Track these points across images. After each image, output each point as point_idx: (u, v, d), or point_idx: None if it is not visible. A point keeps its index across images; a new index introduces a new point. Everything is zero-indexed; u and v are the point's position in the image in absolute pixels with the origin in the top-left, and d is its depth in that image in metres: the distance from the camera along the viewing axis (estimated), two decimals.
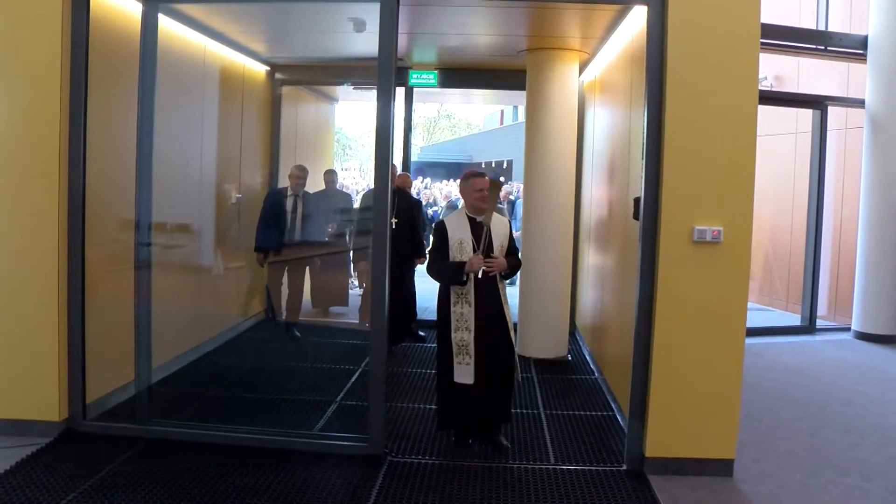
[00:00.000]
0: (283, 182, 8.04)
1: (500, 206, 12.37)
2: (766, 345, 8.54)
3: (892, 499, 4.36)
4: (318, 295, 7.73)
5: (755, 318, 9.98)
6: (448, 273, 4.76)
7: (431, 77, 8.44)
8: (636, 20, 5.36)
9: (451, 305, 4.75)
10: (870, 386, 6.83)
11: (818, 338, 9.05)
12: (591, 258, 7.61)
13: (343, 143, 23.49)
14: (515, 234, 5.90)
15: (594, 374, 6.73)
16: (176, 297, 6.25)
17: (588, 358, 7.26)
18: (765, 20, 10.33)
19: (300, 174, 7.36)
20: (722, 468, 4.59)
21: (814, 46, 9.36)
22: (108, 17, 5.08)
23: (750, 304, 11.66)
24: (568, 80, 7.11)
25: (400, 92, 8.78)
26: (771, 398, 6.34)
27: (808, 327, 9.26)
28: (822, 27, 9.87)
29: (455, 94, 12.23)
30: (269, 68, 7.79)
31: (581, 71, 7.72)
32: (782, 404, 6.18)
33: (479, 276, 4.73)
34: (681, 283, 4.47)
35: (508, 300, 4.97)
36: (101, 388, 5.12)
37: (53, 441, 4.71)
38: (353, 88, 9.27)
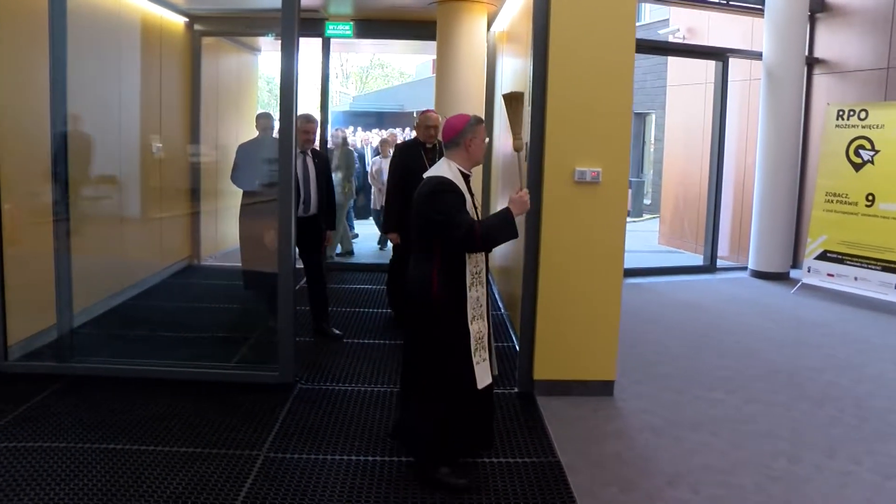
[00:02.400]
0: (206, 132, 8.17)
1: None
2: (667, 283, 9.15)
3: (745, 406, 4.97)
4: None
5: (662, 260, 10.68)
6: (504, 227, 3.70)
7: (347, 28, 8.63)
8: None
9: (467, 289, 3.71)
10: (752, 317, 7.47)
11: (717, 276, 9.71)
12: (499, 203, 8.02)
13: (275, 94, 23.27)
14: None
15: (501, 311, 7.19)
16: (99, 245, 6.46)
17: (497, 297, 7.72)
18: None
19: (310, 127, 6.08)
20: (604, 388, 5.09)
21: (717, 1, 9.83)
22: None
23: (659, 247, 12.42)
24: (476, 31, 7.43)
25: (318, 43, 8.97)
26: (661, 329, 6.90)
27: (709, 267, 9.91)
28: None
29: (369, 45, 12.31)
30: (187, 20, 7.88)
31: (491, 23, 8.02)
32: (671, 334, 6.75)
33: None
34: (563, 219, 4.88)
35: None
36: (23, 332, 5.32)
37: None
38: (275, 39, 9.39)
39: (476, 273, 3.73)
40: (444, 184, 3.65)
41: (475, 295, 3.72)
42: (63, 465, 3.77)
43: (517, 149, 3.87)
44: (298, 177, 5.91)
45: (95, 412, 4.47)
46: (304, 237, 6.01)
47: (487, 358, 3.77)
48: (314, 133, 6.21)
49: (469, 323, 3.68)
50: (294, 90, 4.88)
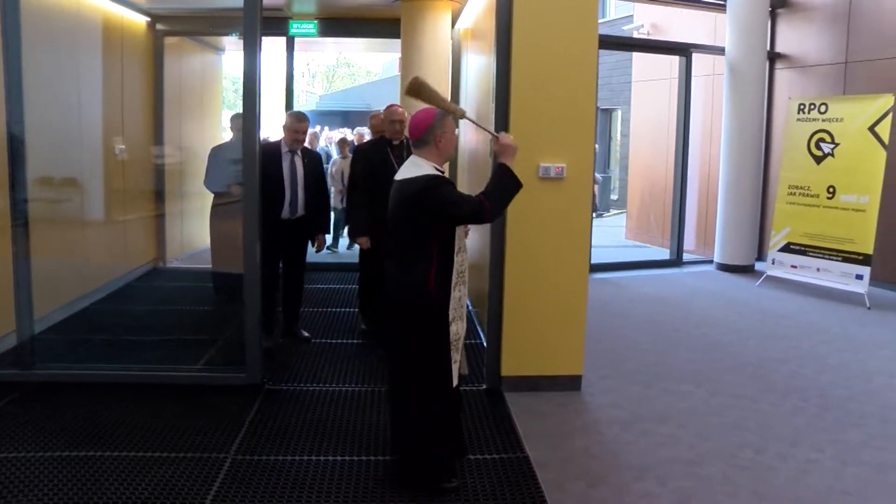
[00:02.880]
0: (170, 131, 8.07)
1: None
2: (633, 277, 9.22)
3: (712, 399, 5.02)
4: None
5: (628, 254, 10.76)
6: (506, 181, 3.57)
7: (312, 27, 8.58)
8: None
9: (452, 289, 3.56)
10: (718, 310, 7.56)
11: (683, 270, 9.82)
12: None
13: (241, 94, 23.06)
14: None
15: (468, 308, 7.19)
16: (61, 249, 6.34)
17: None
18: None
19: (301, 126, 5.79)
20: (571, 384, 5.11)
21: None
22: None
23: (626, 242, 12.51)
24: (440, 28, 7.43)
25: (282, 42, 8.91)
26: (629, 324, 6.95)
27: (676, 260, 10.02)
28: None
29: (334, 43, 12.16)
30: (149, 19, 7.77)
31: (455, 20, 8.02)
32: (639, 329, 6.80)
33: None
34: (529, 215, 4.89)
35: None
36: None
37: None
38: (238, 38, 9.29)
39: (461, 273, 3.57)
40: (435, 179, 3.46)
41: (457, 295, 3.57)
42: (21, 475, 3.68)
43: (461, 115, 3.74)
44: (284, 177, 5.71)
45: (57, 420, 4.38)
46: (288, 239, 5.84)
47: (457, 357, 3.64)
48: (305, 132, 5.88)
49: (450, 325, 3.55)
50: (257, 90, 4.84)
